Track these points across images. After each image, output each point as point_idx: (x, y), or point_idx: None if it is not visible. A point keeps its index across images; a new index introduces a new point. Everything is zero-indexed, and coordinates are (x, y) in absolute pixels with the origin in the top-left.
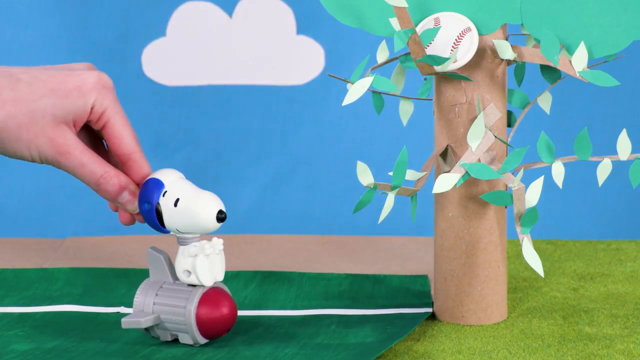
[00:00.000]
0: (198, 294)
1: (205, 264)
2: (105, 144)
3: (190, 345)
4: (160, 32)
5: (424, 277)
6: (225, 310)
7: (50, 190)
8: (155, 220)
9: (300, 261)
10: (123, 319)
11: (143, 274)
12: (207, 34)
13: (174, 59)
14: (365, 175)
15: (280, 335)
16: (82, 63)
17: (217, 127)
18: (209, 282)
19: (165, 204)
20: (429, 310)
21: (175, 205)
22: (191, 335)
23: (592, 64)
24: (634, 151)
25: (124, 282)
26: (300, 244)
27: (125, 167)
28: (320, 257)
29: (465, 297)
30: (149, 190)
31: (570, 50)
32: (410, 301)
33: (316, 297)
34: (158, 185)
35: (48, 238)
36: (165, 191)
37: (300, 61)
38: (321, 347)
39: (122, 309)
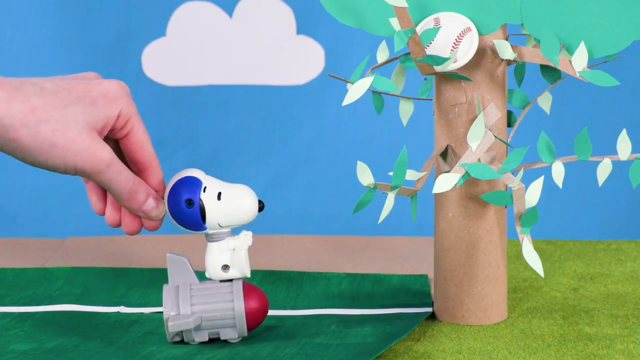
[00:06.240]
0: (239, 287)
1: (246, 255)
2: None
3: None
4: (160, 32)
5: (424, 277)
6: (264, 298)
7: (50, 190)
8: (199, 217)
9: (300, 261)
10: (170, 323)
11: (143, 274)
12: (207, 34)
13: (174, 59)
14: (365, 175)
15: (281, 335)
16: (89, 73)
17: (217, 127)
18: (249, 273)
19: (207, 199)
20: (429, 310)
21: (219, 198)
22: (239, 328)
23: (592, 64)
24: (634, 151)
25: (123, 281)
26: (300, 244)
27: (142, 175)
28: (320, 257)
29: (465, 297)
30: (187, 189)
31: (570, 50)
32: (410, 301)
33: (316, 296)
34: (195, 182)
35: (48, 238)
36: (205, 187)
37: (300, 61)
38: (321, 347)
39: (122, 309)
